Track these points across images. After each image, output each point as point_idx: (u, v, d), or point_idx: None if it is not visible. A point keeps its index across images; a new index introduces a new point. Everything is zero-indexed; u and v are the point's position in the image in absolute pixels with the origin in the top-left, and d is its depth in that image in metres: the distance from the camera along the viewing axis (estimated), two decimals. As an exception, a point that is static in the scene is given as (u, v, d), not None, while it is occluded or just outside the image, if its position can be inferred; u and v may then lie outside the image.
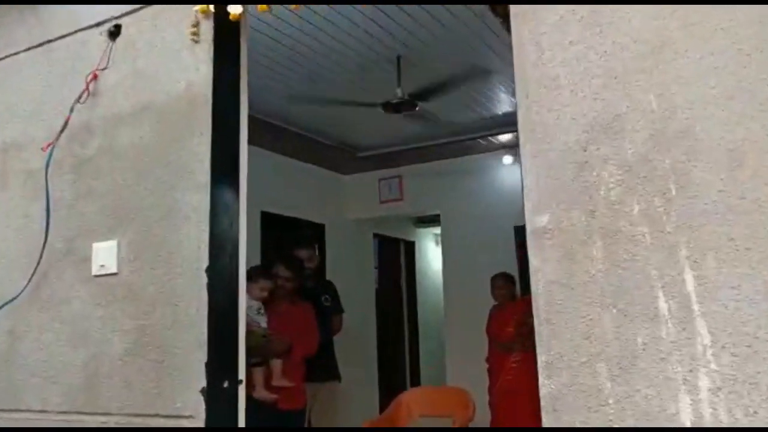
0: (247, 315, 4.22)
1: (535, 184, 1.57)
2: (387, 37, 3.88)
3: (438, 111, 5.20)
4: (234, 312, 2.03)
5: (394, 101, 4.07)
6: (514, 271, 5.58)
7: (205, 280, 1.97)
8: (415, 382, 8.16)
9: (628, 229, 1.43)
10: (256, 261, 5.59)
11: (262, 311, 4.13)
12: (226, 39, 2.13)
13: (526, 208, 1.58)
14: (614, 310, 1.42)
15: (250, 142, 5.52)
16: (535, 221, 1.56)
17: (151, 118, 2.19)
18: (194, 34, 2.12)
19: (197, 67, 2.13)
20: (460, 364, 6.14)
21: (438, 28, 3.81)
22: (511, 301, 5.23)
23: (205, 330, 1.93)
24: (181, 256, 2.03)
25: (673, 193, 1.40)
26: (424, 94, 4.35)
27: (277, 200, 6.00)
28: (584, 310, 1.45)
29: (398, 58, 4.14)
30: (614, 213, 1.45)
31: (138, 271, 2.11)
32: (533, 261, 1.55)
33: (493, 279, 5.28)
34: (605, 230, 1.46)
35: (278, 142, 5.73)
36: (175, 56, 2.18)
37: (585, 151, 1.50)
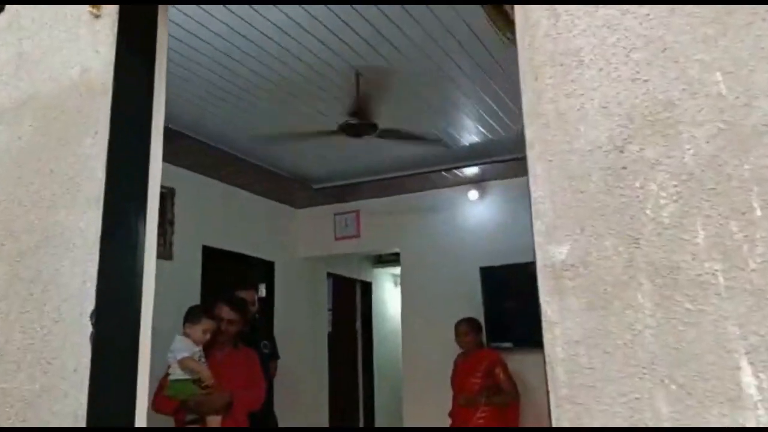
0: (183, 361, 3.72)
1: (548, 199, 1.12)
2: (345, 51, 3.46)
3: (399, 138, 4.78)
4: (130, 374, 1.50)
5: (354, 122, 3.62)
6: (480, 317, 5.15)
7: (89, 329, 1.45)
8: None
9: (690, 266, 0.98)
10: (195, 300, 5.02)
11: (203, 359, 3.62)
12: (137, 15, 1.65)
13: (535, 233, 1.13)
14: (672, 386, 0.96)
15: (192, 167, 5.00)
16: (549, 253, 1.10)
17: (34, 114, 1.68)
18: (94, 5, 1.63)
19: (96, 49, 1.63)
20: (418, 416, 5.61)
21: (403, 42, 3.41)
22: (477, 350, 4.77)
23: (84, 400, 1.40)
24: (60, 296, 1.50)
25: (758, 213, 0.96)
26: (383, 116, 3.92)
27: (221, 234, 5.46)
28: (627, 385, 0.99)
29: (357, 75, 3.71)
30: (668, 242, 1.00)
31: (2, 316, 1.57)
32: (547, 311, 1.09)
33: (458, 325, 4.83)
34: (655, 267, 1.00)
35: (223, 169, 5.22)
36: (70, 35, 1.68)
37: (622, 152, 1.06)
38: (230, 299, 3.98)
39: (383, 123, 3.89)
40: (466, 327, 4.82)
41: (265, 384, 3.88)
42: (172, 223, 4.95)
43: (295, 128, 4.26)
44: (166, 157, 4.81)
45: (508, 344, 5.13)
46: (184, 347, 3.58)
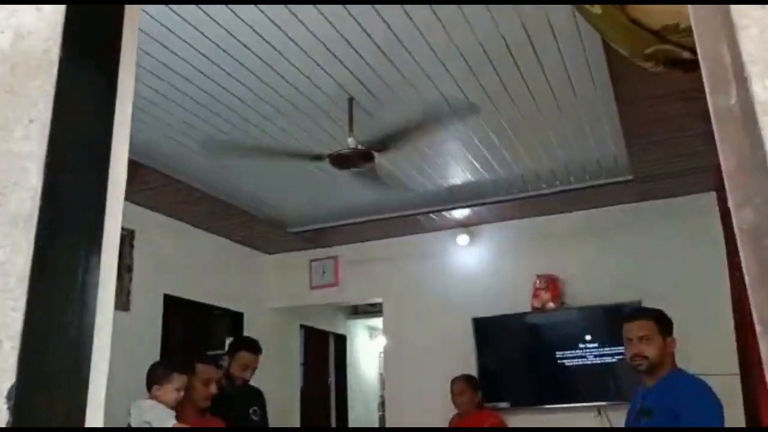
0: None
1: None
2: (336, 76, 3.04)
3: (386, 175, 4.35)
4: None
5: (345, 152, 3.16)
6: (473, 373, 4.65)
7: (4, 413, 0.92)
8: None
9: None
10: (154, 357, 4.41)
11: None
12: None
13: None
14: None
15: (154, 207, 4.44)
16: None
17: (-58, 98, 1.17)
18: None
19: (37, 7, 1.15)
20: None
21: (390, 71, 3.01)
22: (476, 411, 4.26)
23: None
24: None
25: None
26: (377, 146, 3.48)
27: (186, 282, 4.89)
28: None
29: (350, 101, 3.29)
30: None
31: None
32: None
33: (453, 383, 4.34)
34: None
35: (189, 209, 4.68)
36: (1, -10, 1.19)
37: None
38: (209, 357, 3.45)
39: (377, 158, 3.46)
40: (462, 385, 4.33)
41: None
42: (130, 269, 4.37)
43: (277, 148, 3.78)
44: (125, 195, 4.26)
45: (504, 404, 4.63)
46: (163, 414, 3.01)
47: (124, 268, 4.33)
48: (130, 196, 4.31)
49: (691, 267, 4.43)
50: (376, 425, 7.56)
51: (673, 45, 1.31)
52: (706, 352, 4.10)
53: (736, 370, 3.95)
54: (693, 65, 1.40)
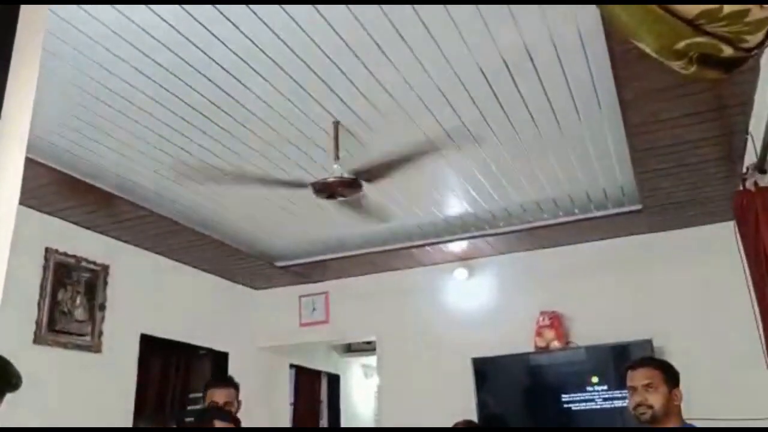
0: None
1: None
2: (324, 101, 2.79)
3: (378, 209, 4.08)
4: None
5: (330, 180, 2.89)
6: (473, 417, 4.31)
7: None
8: None
9: None
10: (129, 403, 4.10)
11: None
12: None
13: None
14: None
15: (128, 240, 4.13)
16: None
17: None
18: None
19: None
20: None
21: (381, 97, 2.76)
22: (478, 461, 3.93)
23: None
24: None
25: None
26: (365, 175, 3.22)
27: (165, 320, 4.58)
28: None
29: (336, 125, 3.02)
30: None
31: None
32: None
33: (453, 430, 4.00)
34: None
35: (168, 242, 4.40)
36: None
37: None
38: (222, 411, 3.02)
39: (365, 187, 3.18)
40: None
41: None
42: (103, 308, 4.07)
43: (257, 174, 3.51)
44: (99, 227, 3.98)
45: (508, 450, 4.28)
46: None
47: (97, 306, 4.03)
48: (105, 228, 4.04)
49: (709, 302, 4.14)
50: (371, 469, 7.17)
51: (711, 37, 1.05)
52: (733, 393, 3.80)
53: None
54: (733, 63, 1.13)
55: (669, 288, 4.28)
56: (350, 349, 7.05)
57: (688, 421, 2.52)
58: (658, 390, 2.45)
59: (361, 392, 7.35)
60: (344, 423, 6.94)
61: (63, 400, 3.71)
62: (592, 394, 4.27)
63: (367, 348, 6.74)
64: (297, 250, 4.97)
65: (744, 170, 2.89)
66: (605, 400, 4.22)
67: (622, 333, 4.20)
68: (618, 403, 4.18)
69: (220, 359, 5.05)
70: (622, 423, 4.19)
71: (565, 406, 4.31)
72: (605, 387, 4.23)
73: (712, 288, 4.15)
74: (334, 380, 6.95)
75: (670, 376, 2.52)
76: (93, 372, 3.93)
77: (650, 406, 2.42)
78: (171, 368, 4.76)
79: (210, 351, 5.01)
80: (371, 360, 6.54)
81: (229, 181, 3.51)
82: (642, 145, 3.15)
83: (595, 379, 4.28)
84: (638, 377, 2.51)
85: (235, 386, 3.81)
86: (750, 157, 2.89)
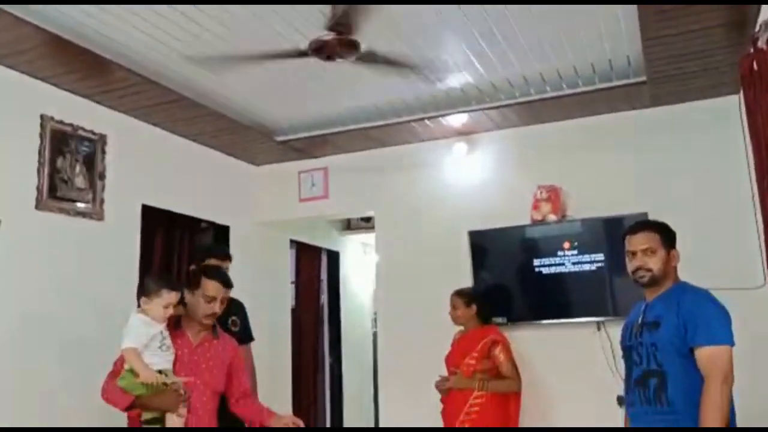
0: (126, 353, 2.66)
1: None
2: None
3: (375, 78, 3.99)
4: None
5: (328, 38, 2.80)
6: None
7: None
8: (337, 419, 6.85)
9: None
10: (132, 270, 4.19)
11: (168, 343, 2.83)
12: None
13: None
14: None
15: (126, 111, 4.05)
16: None
17: None
18: None
19: None
20: (397, 402, 4.88)
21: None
22: (476, 327, 4.08)
23: None
24: None
25: None
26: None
27: (166, 191, 4.62)
28: None
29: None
30: None
31: None
32: None
33: (452, 297, 4.14)
34: None
35: (169, 113, 4.34)
36: None
37: None
38: (221, 274, 3.06)
39: (365, 43, 3.08)
40: (453, 299, 4.12)
41: (249, 383, 3.15)
42: (103, 177, 4.08)
43: (253, 50, 3.41)
44: (95, 96, 3.90)
45: (501, 319, 4.43)
46: (138, 329, 2.77)
47: (96, 175, 4.03)
48: (103, 98, 3.98)
49: (709, 178, 4.15)
50: (370, 343, 7.46)
51: None
52: (727, 265, 3.89)
53: (762, 281, 3.76)
54: None
55: (668, 164, 4.27)
56: (349, 226, 7.14)
57: (683, 280, 2.58)
58: (656, 254, 2.51)
59: (359, 269, 7.51)
60: (343, 301, 7.12)
61: (66, 266, 3.79)
62: (585, 262, 4.35)
63: (365, 226, 6.84)
64: (297, 124, 4.93)
65: (756, 29, 2.79)
66: (599, 268, 4.31)
67: (618, 207, 4.23)
68: (614, 274, 4.28)
69: (221, 233, 5.13)
70: (612, 291, 4.31)
71: (558, 274, 4.42)
72: (602, 256, 4.30)
73: (711, 165, 4.16)
74: (333, 258, 7.07)
75: (668, 238, 2.58)
76: (96, 240, 3.99)
77: (649, 270, 2.51)
78: (174, 241, 4.83)
79: (212, 224, 5.08)
80: (369, 238, 6.65)
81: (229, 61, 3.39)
82: (652, 8, 3.04)
83: (587, 250, 4.35)
84: (637, 242, 2.55)
85: (230, 258, 3.92)
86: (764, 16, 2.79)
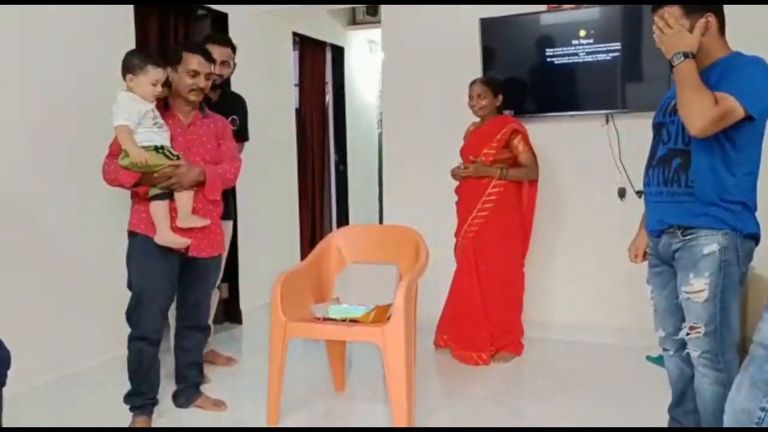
0: (118, 130, 2.59)
1: None
2: None
3: None
4: None
5: None
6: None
7: None
8: (342, 213, 7.00)
9: None
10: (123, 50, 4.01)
11: (160, 122, 2.80)
12: None
13: None
14: None
15: None
16: None
17: None
18: None
19: None
20: (402, 206, 4.85)
21: None
22: (494, 117, 3.98)
23: None
24: None
25: None
26: None
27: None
28: None
29: None
30: None
31: None
32: None
33: (472, 86, 3.98)
34: None
35: None
36: None
37: None
38: (200, 46, 3.02)
39: None
40: (481, 88, 3.91)
41: (240, 159, 3.13)
42: (86, -47, 3.76)
43: None
44: None
45: (509, 112, 4.28)
46: (127, 106, 2.71)
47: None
48: None
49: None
50: (375, 144, 7.42)
51: None
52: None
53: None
54: None
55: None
56: (354, 20, 6.78)
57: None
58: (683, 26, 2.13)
59: (365, 68, 7.26)
60: (348, 99, 6.94)
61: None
62: (598, 51, 4.13)
63: (372, 21, 6.50)
64: None
65: None
66: (613, 57, 4.10)
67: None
68: (631, 62, 4.09)
69: (219, 21, 4.84)
70: (621, 83, 4.14)
71: (572, 64, 4.22)
72: (618, 44, 4.07)
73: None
74: (338, 55, 6.78)
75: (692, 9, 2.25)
76: (86, 23, 3.77)
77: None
78: (169, 29, 4.60)
79: (209, 11, 4.78)
80: (375, 34, 6.35)
81: None
82: None
83: (603, 38, 4.11)
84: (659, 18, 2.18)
85: (233, 47, 3.72)
86: None
